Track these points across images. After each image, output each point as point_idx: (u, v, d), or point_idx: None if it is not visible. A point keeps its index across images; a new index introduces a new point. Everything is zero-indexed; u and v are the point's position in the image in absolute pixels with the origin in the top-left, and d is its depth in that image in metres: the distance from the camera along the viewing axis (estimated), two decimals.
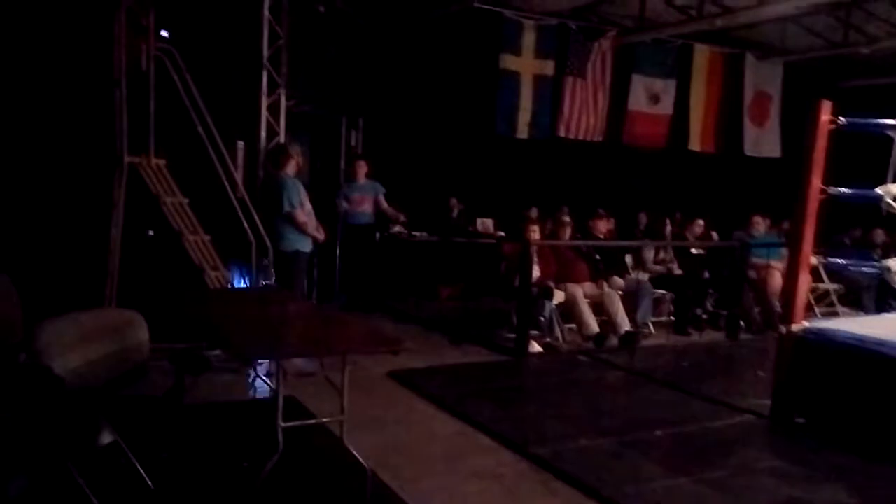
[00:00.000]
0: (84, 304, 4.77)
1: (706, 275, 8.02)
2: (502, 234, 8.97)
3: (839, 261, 5.81)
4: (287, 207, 5.93)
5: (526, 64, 9.17)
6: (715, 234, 8.79)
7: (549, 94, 9.28)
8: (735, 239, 8.50)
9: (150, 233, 5.92)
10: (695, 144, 10.24)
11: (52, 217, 5.33)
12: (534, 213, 8.90)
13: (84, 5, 5.46)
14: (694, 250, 8.23)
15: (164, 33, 5.72)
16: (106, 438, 2.41)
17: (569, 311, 6.80)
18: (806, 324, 4.77)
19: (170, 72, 5.61)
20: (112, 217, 5.34)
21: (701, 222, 8.39)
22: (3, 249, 4.79)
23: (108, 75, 5.46)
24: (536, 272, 6.47)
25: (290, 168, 6.11)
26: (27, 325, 3.53)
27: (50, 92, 5.35)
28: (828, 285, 8.37)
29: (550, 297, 6.56)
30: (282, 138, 6.88)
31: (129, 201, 5.44)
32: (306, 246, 6.14)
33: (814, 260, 4.98)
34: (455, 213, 9.41)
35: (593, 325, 6.70)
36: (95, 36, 5.41)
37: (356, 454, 3.49)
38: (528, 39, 9.09)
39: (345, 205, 7.78)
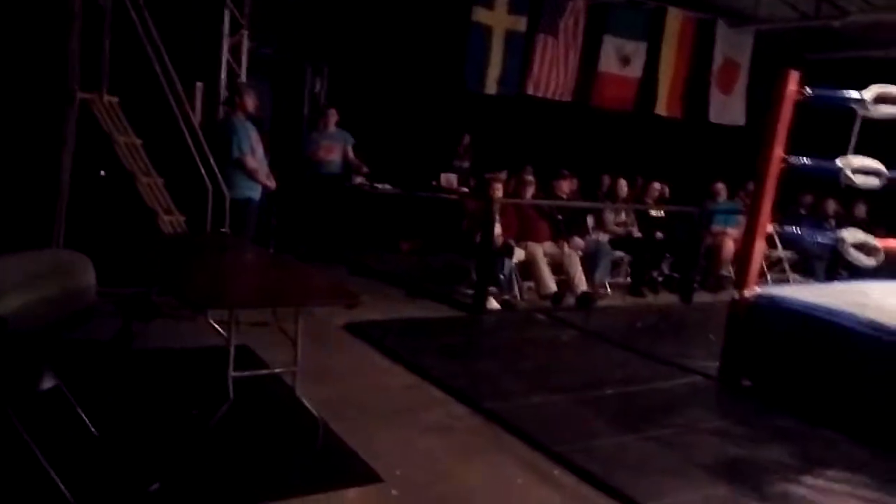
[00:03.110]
0: (31, 244, 4.62)
1: (663, 238, 8.10)
2: (465, 189, 8.91)
3: (794, 229, 5.90)
4: (236, 153, 5.74)
5: (499, 18, 9.00)
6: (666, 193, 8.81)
7: (520, 51, 9.14)
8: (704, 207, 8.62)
9: (102, 173, 5.74)
10: (661, 109, 10.23)
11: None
12: (503, 175, 8.84)
13: None
14: (653, 213, 8.30)
15: None
16: (47, 383, 2.34)
17: (528, 269, 6.82)
18: (758, 289, 4.87)
19: (127, 6, 5.35)
20: (62, 155, 5.13)
21: (657, 185, 8.45)
22: None
23: (63, 7, 5.18)
24: (498, 230, 6.46)
25: (242, 111, 5.88)
26: None
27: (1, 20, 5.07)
28: (781, 253, 8.53)
29: (511, 254, 6.57)
30: (243, 80, 6.68)
31: (79, 139, 5.23)
32: (258, 193, 6.00)
33: (769, 227, 5.07)
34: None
35: (551, 284, 6.74)
36: None
37: (307, 405, 3.48)
38: None
39: (321, 153, 7.62)
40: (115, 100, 5.41)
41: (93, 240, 4.70)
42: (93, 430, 2.70)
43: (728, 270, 8.17)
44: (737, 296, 4.85)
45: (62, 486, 2.38)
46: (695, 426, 4.11)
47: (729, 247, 8.21)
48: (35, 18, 5.22)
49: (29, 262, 3.27)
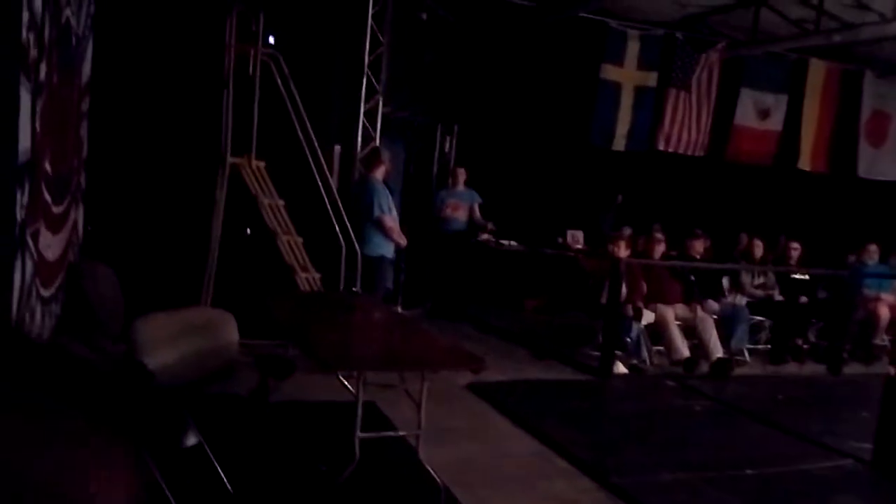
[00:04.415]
0: (183, 298, 5.01)
1: (808, 301, 7.56)
2: (579, 247, 8.78)
3: None
4: (377, 212, 6.01)
5: (628, 74, 8.96)
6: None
7: (650, 106, 9.03)
8: (848, 264, 8.02)
9: (248, 231, 6.13)
10: (805, 163, 9.72)
11: (158, 213, 5.59)
12: (626, 231, 8.65)
13: (198, 10, 5.69)
14: (797, 275, 7.79)
15: (270, 39, 5.90)
16: (191, 440, 2.48)
17: (658, 332, 6.57)
18: None
19: (274, 76, 5.77)
20: (213, 215, 5.54)
21: (796, 245, 7.88)
22: (110, 243, 5.07)
23: (217, 78, 5.67)
24: (623, 291, 6.29)
25: (380, 173, 6.20)
26: (129, 317, 3.71)
27: (163, 93, 5.61)
28: None
29: (639, 318, 6.36)
30: (377, 143, 6.99)
31: (229, 200, 5.63)
32: (390, 251, 6.21)
33: None
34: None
35: (683, 350, 6.44)
36: (207, 40, 5.64)
37: (431, 470, 3.48)
38: (632, 49, 8.88)
39: (448, 211, 7.81)
40: (262, 164, 5.81)
41: (236, 294, 5.03)
42: (229, 487, 2.83)
43: (883, 339, 7.49)
44: (892, 372, 4.43)
45: None
46: None
47: (884, 313, 7.55)
48: (191, 89, 5.73)
49: (179, 319, 3.54)
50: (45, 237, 3.41)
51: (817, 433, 5.01)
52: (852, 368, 7.13)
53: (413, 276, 7.73)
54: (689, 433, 5.00)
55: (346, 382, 4.69)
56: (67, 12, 3.71)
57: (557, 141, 8.74)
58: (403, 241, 6.37)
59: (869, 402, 5.01)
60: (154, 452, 2.52)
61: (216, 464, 2.82)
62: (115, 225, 5.41)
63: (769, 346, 7.36)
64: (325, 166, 6.02)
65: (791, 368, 7.08)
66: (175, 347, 3.31)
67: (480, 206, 8.05)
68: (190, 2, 5.72)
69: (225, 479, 2.82)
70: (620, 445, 4.57)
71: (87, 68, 4.80)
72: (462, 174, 7.99)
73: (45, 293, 3.58)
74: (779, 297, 7.56)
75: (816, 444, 4.80)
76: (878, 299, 7.63)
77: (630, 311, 6.35)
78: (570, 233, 9.21)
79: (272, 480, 3.52)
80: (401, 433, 3.69)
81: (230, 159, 5.62)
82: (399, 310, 7.46)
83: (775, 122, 9.57)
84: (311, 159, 5.88)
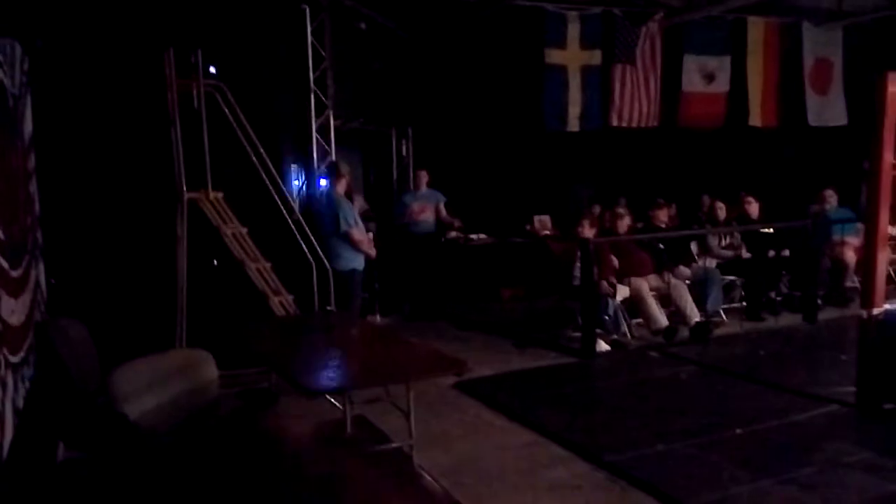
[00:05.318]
0: (157, 340, 4.94)
1: (776, 255, 7.69)
2: (547, 232, 8.85)
3: None
4: (344, 227, 6.01)
5: (572, 56, 9.00)
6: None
7: (598, 84, 9.08)
8: (811, 213, 8.16)
9: (216, 263, 6.08)
10: (755, 120, 9.84)
11: (121, 258, 5.53)
12: (596, 210, 8.74)
13: (134, 51, 5.63)
14: (764, 230, 7.90)
15: (212, 69, 5.85)
16: (177, 488, 2.47)
17: (635, 305, 6.65)
18: (887, 306, 4.55)
19: (221, 106, 5.72)
20: (177, 252, 5.48)
21: (750, 199, 7.98)
22: (76, 296, 4.99)
23: (163, 116, 5.61)
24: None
25: (341, 186, 6.20)
26: (105, 367, 3.67)
27: (110, 138, 5.55)
28: None
29: (614, 294, 6.43)
30: (333, 157, 6.97)
31: (191, 235, 5.58)
32: (361, 264, 6.20)
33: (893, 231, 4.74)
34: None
35: (662, 319, 6.53)
36: (148, 80, 5.58)
37: (428, 475, 3.49)
38: (573, 31, 8.91)
39: (414, 214, 7.81)
40: (219, 194, 5.76)
41: (212, 327, 4.98)
42: None
43: (853, 281, 7.65)
44: (865, 315, 4.54)
45: None
46: (838, 461, 3.84)
47: (850, 256, 7.71)
48: (138, 131, 5.66)
49: (156, 365, 3.52)
50: (8, 304, 3.34)
51: (801, 383, 5.12)
52: (828, 314, 7.29)
53: (387, 282, 7.72)
54: (678, 401, 5.06)
55: (333, 400, 4.70)
56: (0, 73, 3.64)
57: (512, 131, 8.79)
58: (373, 252, 6.36)
59: (847, 345, 5.14)
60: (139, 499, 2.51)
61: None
62: (79, 277, 5.34)
63: (744, 304, 7.49)
64: (283, 187, 5.99)
65: (768, 323, 7.20)
66: (154, 394, 3.30)
67: (445, 205, 8.08)
68: (125, 44, 5.64)
69: None
70: (613, 423, 4.62)
71: (28, 126, 4.71)
72: (424, 176, 8.02)
73: (15, 359, 3.51)
74: (747, 255, 7.69)
75: (801, 395, 4.90)
76: (843, 244, 7.79)
77: (605, 289, 6.41)
78: (536, 218, 9.29)
79: None
80: (393, 445, 3.69)
81: (187, 194, 5.56)
82: (377, 318, 7.47)
83: (721, 84, 9.68)
84: (268, 183, 5.84)
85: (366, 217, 6.88)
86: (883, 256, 4.61)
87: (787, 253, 7.66)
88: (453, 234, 8.49)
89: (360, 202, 6.95)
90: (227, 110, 5.72)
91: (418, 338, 4.74)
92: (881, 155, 4.40)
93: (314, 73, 6.90)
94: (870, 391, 4.54)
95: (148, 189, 5.64)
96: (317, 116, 6.98)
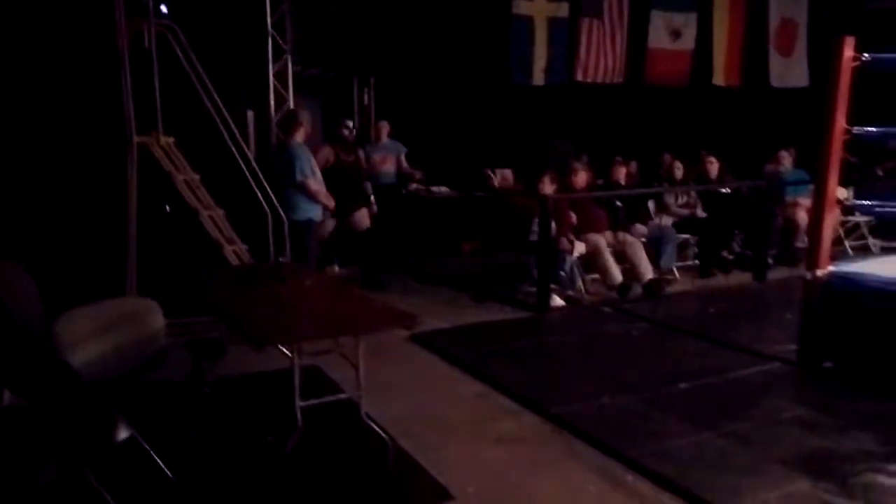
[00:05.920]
0: (106, 287, 4.86)
1: (730, 214, 7.81)
2: (508, 186, 8.82)
3: (867, 203, 5.61)
4: (299, 177, 5.92)
5: (539, 7, 8.89)
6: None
7: (565, 37, 9.00)
8: (766, 174, 8.28)
9: (168, 208, 5.95)
10: (719, 79, 9.91)
11: (68, 204, 5.37)
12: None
13: None
14: (721, 189, 8.00)
15: (163, 9, 5.63)
16: (122, 434, 2.45)
17: (591, 261, 6.72)
18: (832, 268, 4.66)
19: (173, 47, 5.53)
20: (127, 198, 5.35)
21: (712, 159, 8.06)
22: (21, 240, 4.85)
23: (111, 57, 5.40)
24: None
25: (300, 135, 6.09)
26: (50, 314, 3.59)
27: (57, 80, 5.32)
28: (858, 218, 8.15)
29: (572, 251, 6.48)
30: (291, 104, 6.82)
31: (142, 181, 5.44)
32: (318, 214, 6.14)
33: (843, 193, 4.84)
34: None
35: (617, 275, 6.61)
36: (96, 19, 5.34)
37: (376, 427, 3.54)
38: None
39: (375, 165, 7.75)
40: (171, 140, 5.60)
41: (163, 275, 4.91)
42: (168, 473, 2.82)
43: (804, 241, 7.81)
44: (809, 276, 4.65)
45: None
46: (774, 417, 3.98)
47: (802, 217, 7.87)
48: (86, 72, 5.44)
49: (101, 312, 3.45)
50: None
51: (746, 340, 5.26)
52: (778, 273, 7.45)
53: (346, 233, 7.66)
54: (627, 357, 5.18)
55: (284, 349, 4.69)
56: None
57: (477, 82, 8.66)
58: (332, 203, 6.30)
59: (792, 304, 5.26)
60: (87, 452, 2.49)
61: (152, 453, 2.80)
62: (24, 222, 5.18)
63: (697, 262, 7.62)
64: (238, 135, 5.85)
65: (719, 280, 7.36)
66: (99, 342, 3.24)
67: (407, 156, 8.00)
68: None
69: (164, 466, 2.81)
70: (562, 377, 4.71)
71: None
72: (385, 127, 7.92)
73: None
74: (702, 214, 7.80)
75: (746, 352, 5.04)
76: (795, 204, 7.94)
77: (564, 245, 6.45)
78: (498, 172, 9.23)
79: (218, 459, 3.52)
80: (342, 396, 3.71)
81: (136, 138, 5.40)
82: (336, 269, 7.43)
83: (687, 42, 9.68)
84: (222, 129, 5.70)
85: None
86: (830, 219, 4.72)
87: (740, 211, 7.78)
88: (415, 185, 8.42)
89: (326, 152, 6.79)
90: (179, 53, 5.53)
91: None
92: (833, 118, 4.45)
93: (272, 16, 6.68)
94: (810, 350, 4.68)
95: (97, 133, 5.46)
96: (274, 62, 6.79)
